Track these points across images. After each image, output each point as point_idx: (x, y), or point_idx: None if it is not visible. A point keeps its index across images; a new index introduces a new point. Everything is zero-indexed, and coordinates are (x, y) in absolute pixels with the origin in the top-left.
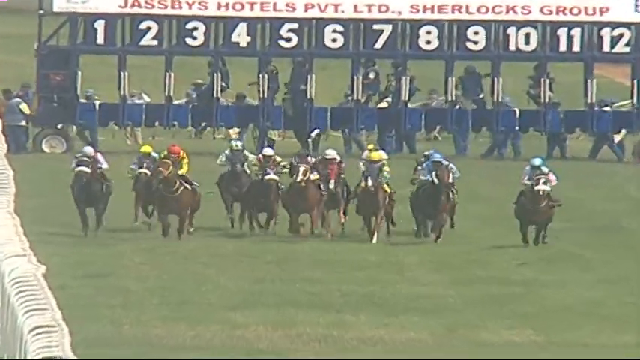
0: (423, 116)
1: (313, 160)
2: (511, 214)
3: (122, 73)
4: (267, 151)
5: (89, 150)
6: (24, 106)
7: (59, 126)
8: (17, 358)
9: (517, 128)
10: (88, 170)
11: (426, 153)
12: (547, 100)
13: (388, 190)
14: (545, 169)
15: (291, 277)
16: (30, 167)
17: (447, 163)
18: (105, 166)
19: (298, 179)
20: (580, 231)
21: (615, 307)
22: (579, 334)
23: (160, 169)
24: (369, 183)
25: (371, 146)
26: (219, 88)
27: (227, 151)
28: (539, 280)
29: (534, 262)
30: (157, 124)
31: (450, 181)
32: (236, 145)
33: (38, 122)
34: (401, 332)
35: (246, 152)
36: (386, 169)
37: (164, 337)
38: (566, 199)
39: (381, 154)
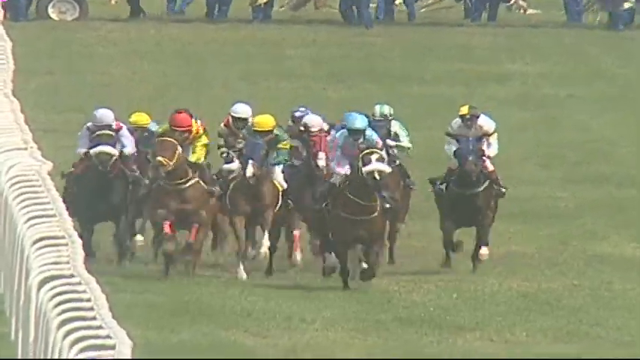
0: None
1: None
2: (637, 95)
3: None
4: (239, 109)
5: (107, 114)
6: None
7: None
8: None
9: None
10: (114, 152)
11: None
12: None
13: (280, 187)
14: (371, 135)
15: None
16: (33, 38)
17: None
18: (129, 149)
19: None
20: None
21: None
22: None
23: (159, 158)
24: (248, 172)
25: (465, 109)
26: None
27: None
28: None
29: None
30: None
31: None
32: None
33: None
34: (500, 245)
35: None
36: (284, 145)
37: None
38: None
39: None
